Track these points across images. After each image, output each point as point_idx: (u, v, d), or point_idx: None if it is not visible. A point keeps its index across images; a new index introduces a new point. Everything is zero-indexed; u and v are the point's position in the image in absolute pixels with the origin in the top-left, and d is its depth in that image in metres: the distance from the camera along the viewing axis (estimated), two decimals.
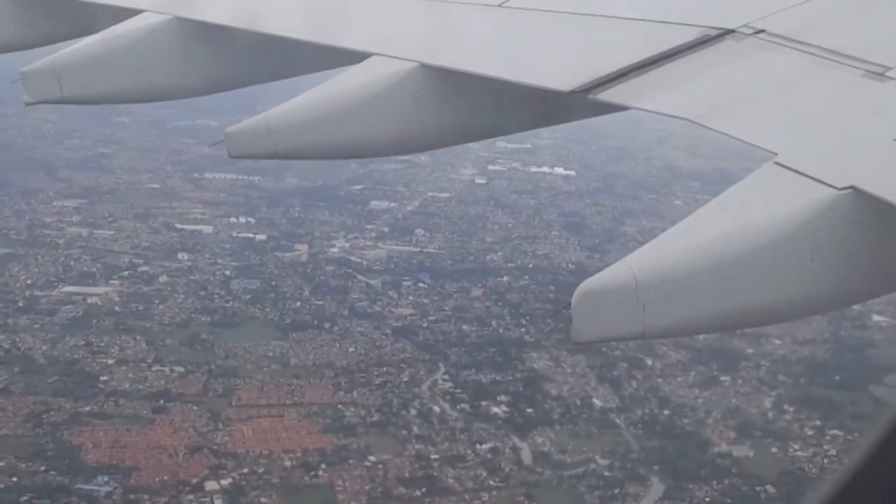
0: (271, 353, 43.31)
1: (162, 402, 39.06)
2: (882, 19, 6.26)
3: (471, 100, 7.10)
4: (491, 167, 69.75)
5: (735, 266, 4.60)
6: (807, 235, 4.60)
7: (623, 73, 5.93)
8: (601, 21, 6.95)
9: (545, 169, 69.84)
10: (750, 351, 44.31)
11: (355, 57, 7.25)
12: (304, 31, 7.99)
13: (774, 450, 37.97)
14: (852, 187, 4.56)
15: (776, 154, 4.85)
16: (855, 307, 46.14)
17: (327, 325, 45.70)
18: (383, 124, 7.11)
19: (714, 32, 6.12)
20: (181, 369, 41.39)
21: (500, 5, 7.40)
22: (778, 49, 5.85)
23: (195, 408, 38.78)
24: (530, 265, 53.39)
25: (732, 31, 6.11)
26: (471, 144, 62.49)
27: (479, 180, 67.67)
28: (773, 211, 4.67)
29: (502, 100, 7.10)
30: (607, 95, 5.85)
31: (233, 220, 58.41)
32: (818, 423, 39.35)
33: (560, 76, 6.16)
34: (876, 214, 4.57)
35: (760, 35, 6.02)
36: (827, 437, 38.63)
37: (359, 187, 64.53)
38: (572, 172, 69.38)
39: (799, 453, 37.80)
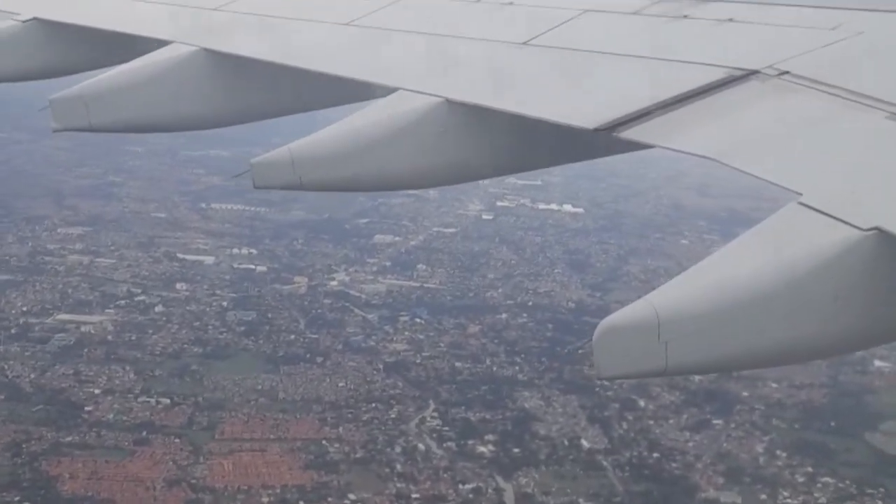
0: (260, 387, 43.07)
1: (145, 433, 38.89)
2: None
3: (495, 136, 7.13)
4: (499, 203, 69.55)
5: (757, 305, 4.57)
6: (830, 276, 4.56)
7: (647, 112, 5.91)
8: (625, 60, 7.00)
9: (553, 206, 69.56)
10: (745, 394, 43.76)
11: (380, 91, 7.32)
12: (330, 64, 8.06)
13: (763, 496, 37.39)
14: (877, 228, 4.51)
15: (800, 194, 4.81)
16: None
17: (319, 359, 45.43)
18: (408, 158, 7.11)
19: (739, 73, 6.12)
20: (167, 401, 41.21)
21: (525, 43, 7.48)
22: (802, 90, 5.82)
23: (177, 440, 38.54)
24: (530, 303, 52.95)
25: (757, 72, 6.10)
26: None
27: (486, 216, 67.48)
28: (796, 250, 4.62)
29: (526, 136, 7.13)
30: (632, 134, 5.83)
31: (235, 251, 58.37)
32: (810, 469, 38.72)
33: (584, 114, 6.15)
34: None
35: (785, 76, 5.99)
36: (818, 485, 38.00)
37: (365, 221, 64.46)
38: (580, 210, 69.06)
39: (788, 501, 37.16)
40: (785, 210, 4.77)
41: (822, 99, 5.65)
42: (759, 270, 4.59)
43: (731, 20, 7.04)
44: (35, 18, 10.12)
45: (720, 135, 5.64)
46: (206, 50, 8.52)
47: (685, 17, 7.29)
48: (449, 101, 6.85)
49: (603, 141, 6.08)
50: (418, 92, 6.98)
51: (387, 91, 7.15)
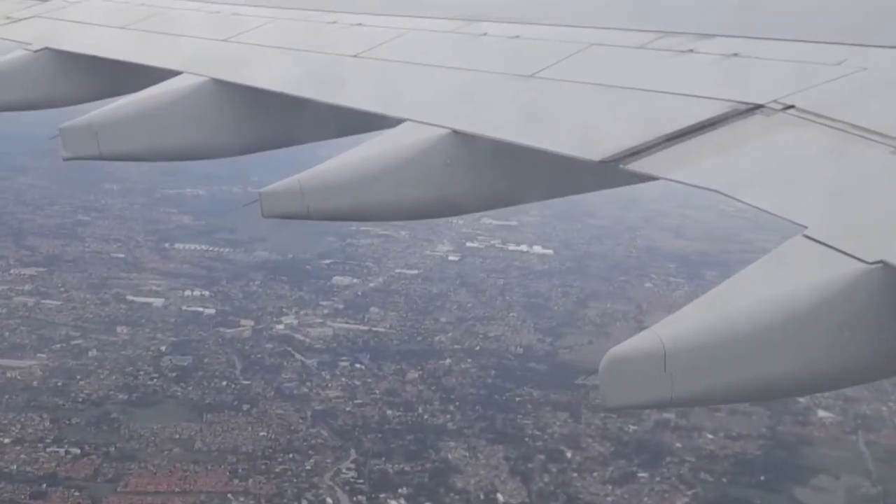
0: (178, 436, 42.11)
1: (45, 486, 37.83)
2: None
3: (501, 167, 7.32)
4: (469, 244, 68.44)
5: (764, 337, 4.64)
6: (836, 308, 4.64)
7: (653, 145, 6.02)
8: (631, 93, 7.16)
9: (523, 247, 68.39)
10: (678, 445, 42.57)
11: (388, 122, 7.53)
12: (337, 95, 8.29)
13: None
14: (882, 261, 4.59)
15: (805, 227, 4.91)
16: (801, 401, 44.34)
17: (246, 407, 44.44)
18: (414, 189, 7.30)
19: (743, 107, 6.23)
20: (77, 451, 40.25)
21: (531, 75, 7.66)
22: (807, 125, 5.93)
23: (77, 493, 37.53)
24: (477, 347, 51.82)
25: (762, 106, 6.20)
26: (454, 219, 61.61)
27: (452, 257, 66.38)
28: (802, 283, 4.71)
29: (532, 167, 7.30)
30: (637, 166, 5.94)
31: (188, 292, 57.47)
32: None
33: (590, 146, 6.27)
34: None
35: (790, 111, 6.09)
36: None
37: (328, 261, 63.54)
38: (550, 251, 67.89)
39: None
40: (791, 243, 4.86)
41: (826, 133, 5.75)
42: (764, 303, 4.66)
43: (736, 55, 7.18)
44: (46, 48, 10.53)
45: (725, 168, 5.75)
46: (215, 80, 8.76)
47: (690, 51, 7.45)
48: (455, 133, 7.02)
49: (608, 173, 6.22)
50: (425, 123, 7.17)
51: (394, 122, 7.38)
